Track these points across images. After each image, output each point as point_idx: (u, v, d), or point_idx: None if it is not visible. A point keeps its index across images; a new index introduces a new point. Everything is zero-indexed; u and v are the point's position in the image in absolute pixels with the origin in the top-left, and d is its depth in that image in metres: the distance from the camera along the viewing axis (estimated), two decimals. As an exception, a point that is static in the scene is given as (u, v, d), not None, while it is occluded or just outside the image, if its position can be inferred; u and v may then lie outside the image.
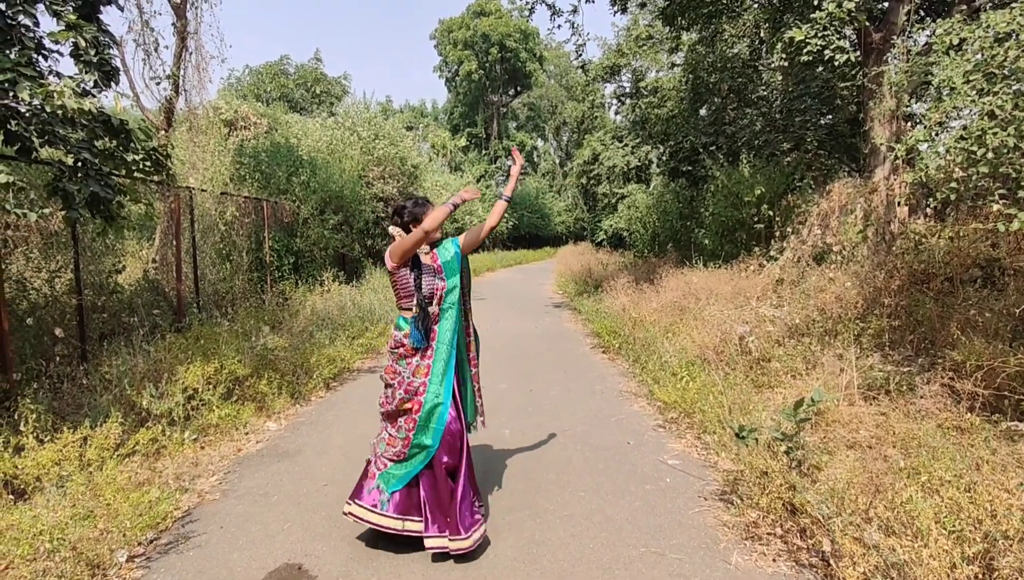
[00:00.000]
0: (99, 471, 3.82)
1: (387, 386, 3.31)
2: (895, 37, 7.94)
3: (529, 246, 43.84)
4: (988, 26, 4.34)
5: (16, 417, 4.10)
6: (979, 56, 4.34)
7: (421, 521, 3.11)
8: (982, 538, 2.53)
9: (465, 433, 3.31)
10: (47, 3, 4.55)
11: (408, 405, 3.18)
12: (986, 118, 4.16)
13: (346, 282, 12.10)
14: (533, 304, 14.63)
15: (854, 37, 9.09)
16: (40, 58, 4.54)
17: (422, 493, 3.13)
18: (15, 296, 5.37)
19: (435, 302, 3.25)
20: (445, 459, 3.17)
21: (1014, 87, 4.06)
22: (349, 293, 11.04)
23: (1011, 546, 2.44)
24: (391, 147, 16.94)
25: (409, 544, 3.19)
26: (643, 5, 16.05)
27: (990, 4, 6.07)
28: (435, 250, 3.34)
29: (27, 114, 4.37)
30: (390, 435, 3.22)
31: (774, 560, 3.03)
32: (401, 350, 3.26)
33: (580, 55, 13.87)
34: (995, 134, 3.97)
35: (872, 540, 2.68)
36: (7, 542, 2.94)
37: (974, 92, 4.25)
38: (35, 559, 2.87)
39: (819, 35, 7.52)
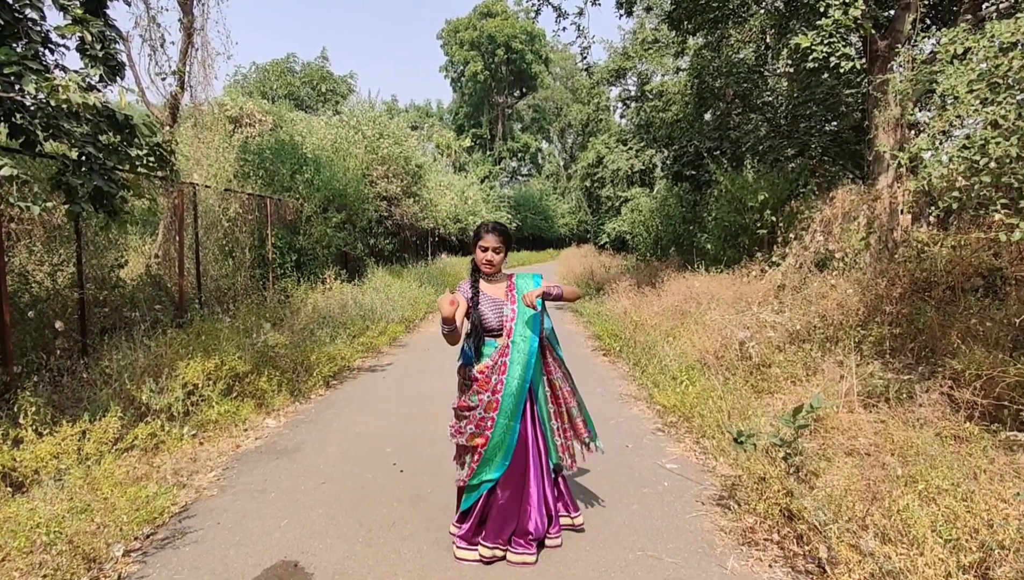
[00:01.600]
0: (97, 465, 3.83)
1: (458, 418, 3.22)
2: (900, 45, 7.94)
3: (532, 248, 43.83)
4: (993, 36, 4.34)
5: (16, 410, 4.11)
6: (983, 66, 4.34)
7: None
8: (978, 547, 2.52)
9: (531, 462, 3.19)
10: (54, -3, 4.56)
11: (478, 440, 3.09)
12: (989, 128, 4.16)
13: (348, 281, 12.11)
14: (534, 306, 14.59)
15: (860, 45, 9.09)
16: (46, 52, 4.55)
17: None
18: (17, 289, 5.39)
19: (505, 333, 3.13)
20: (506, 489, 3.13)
21: (1018, 97, 4.06)
22: (351, 291, 11.05)
23: (1007, 556, 2.44)
24: (395, 146, 16.95)
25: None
26: (649, 9, 16.03)
27: (995, 14, 6.07)
28: (512, 281, 3.25)
29: (32, 107, 4.39)
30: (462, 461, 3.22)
31: (770, 566, 3.02)
32: (473, 385, 3.15)
33: (585, 58, 13.91)
34: (998, 144, 3.97)
35: (868, 547, 2.67)
36: (4, 534, 2.94)
37: (977, 102, 4.24)
38: (32, 552, 2.87)
39: (825, 42, 7.51)
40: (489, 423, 3.07)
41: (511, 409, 3.08)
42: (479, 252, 3.17)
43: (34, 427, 3.94)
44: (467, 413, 3.14)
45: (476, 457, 3.09)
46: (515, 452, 3.09)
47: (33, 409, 4.05)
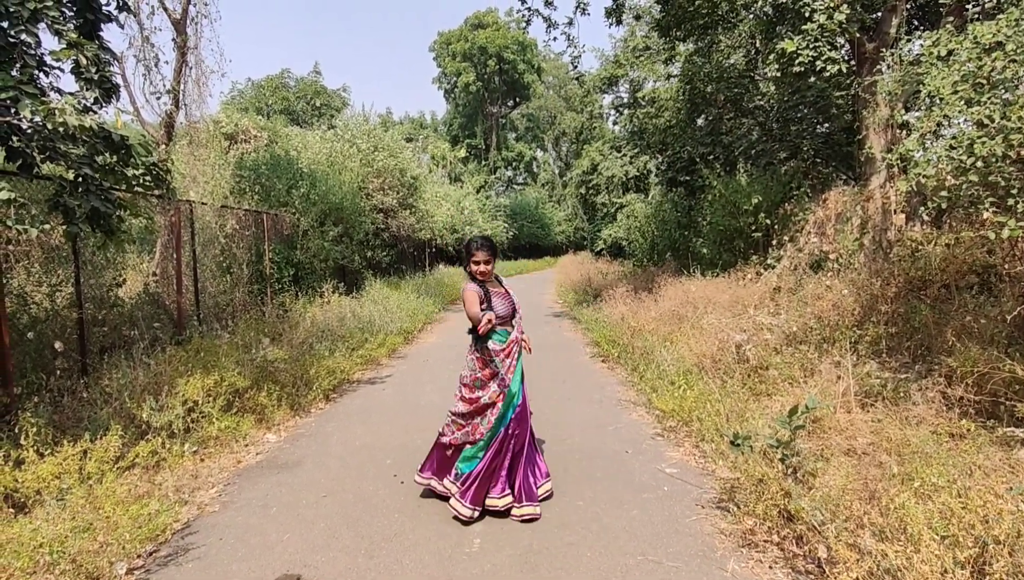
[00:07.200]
0: (99, 484, 3.84)
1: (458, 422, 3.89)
2: (887, 47, 8.02)
3: (529, 256, 43.87)
4: (976, 38, 4.39)
5: (16, 430, 4.12)
6: (968, 67, 4.39)
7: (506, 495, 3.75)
8: (974, 543, 2.54)
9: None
10: (49, 22, 4.61)
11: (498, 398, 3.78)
12: (975, 128, 4.21)
13: (346, 293, 12.13)
14: (533, 314, 14.64)
15: (848, 47, 9.17)
16: (41, 75, 4.60)
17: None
18: (16, 310, 5.41)
19: (516, 323, 3.95)
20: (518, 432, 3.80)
21: (1002, 97, 4.11)
22: (349, 304, 11.07)
23: (1002, 551, 2.46)
24: (391, 159, 17.02)
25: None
26: (639, 17, 16.17)
27: (978, 16, 6.14)
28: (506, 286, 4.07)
29: (29, 131, 4.43)
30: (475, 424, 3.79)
31: (770, 567, 3.04)
32: (494, 358, 3.86)
33: (576, 66, 14.01)
34: (984, 144, 4.02)
35: (866, 546, 2.69)
36: (7, 555, 2.96)
37: (962, 102, 4.30)
38: (35, 572, 2.89)
39: (810, 46, 7.59)
40: (483, 429, 3.76)
41: (503, 412, 3.76)
42: (473, 265, 3.90)
43: (35, 447, 3.95)
44: (465, 421, 3.83)
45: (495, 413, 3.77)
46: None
47: (34, 430, 4.07)
